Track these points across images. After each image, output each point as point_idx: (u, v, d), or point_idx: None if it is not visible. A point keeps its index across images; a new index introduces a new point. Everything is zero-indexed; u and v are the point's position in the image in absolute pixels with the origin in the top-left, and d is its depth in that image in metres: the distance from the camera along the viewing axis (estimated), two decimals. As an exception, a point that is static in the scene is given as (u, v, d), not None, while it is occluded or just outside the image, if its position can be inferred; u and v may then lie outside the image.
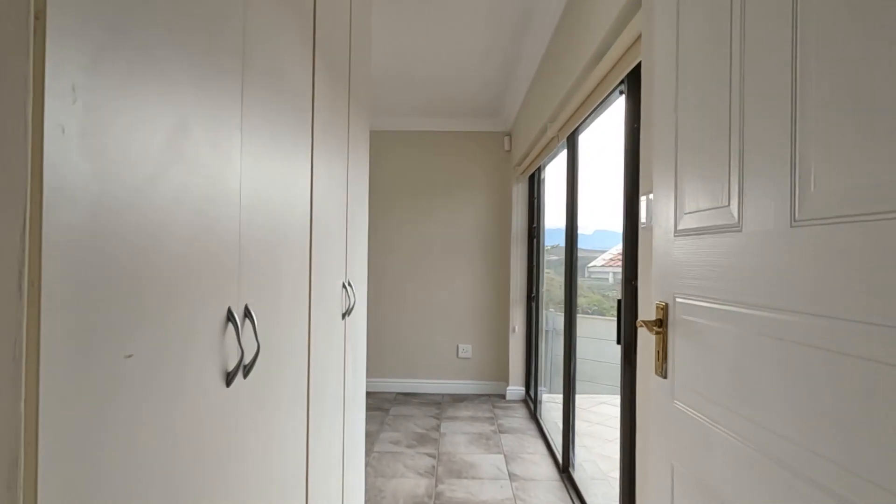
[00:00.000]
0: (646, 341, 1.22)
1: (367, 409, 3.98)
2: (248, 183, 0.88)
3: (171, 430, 0.66)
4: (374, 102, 4.13)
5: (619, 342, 1.90)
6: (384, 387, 4.51)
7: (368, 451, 3.14)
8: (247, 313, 0.88)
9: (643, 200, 1.28)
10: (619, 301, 1.90)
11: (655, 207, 1.00)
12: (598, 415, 4.43)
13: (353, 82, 1.78)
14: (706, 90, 0.83)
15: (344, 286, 1.65)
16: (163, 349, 0.63)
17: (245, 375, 0.87)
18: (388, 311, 4.54)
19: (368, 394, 4.40)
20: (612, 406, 4.63)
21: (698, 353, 0.84)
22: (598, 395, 5.11)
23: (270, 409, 1.01)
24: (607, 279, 10.40)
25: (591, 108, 2.28)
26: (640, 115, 1.82)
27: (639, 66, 1.78)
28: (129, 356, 0.57)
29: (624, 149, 1.87)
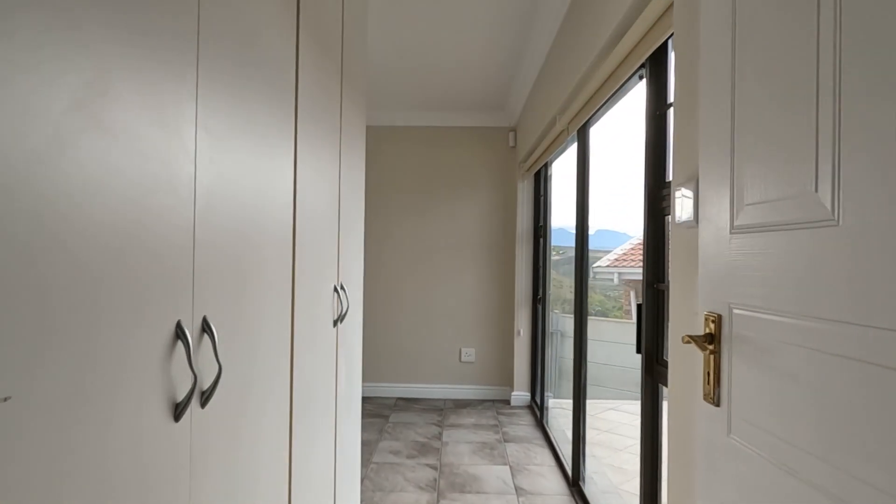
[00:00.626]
0: (683, 357, 1.05)
1: (366, 415, 3.82)
2: (207, 167, 0.72)
3: (98, 488, 0.49)
4: (372, 96, 3.97)
5: (638, 351, 1.74)
6: (384, 392, 4.34)
7: (367, 462, 2.98)
8: (205, 327, 0.71)
9: (677, 194, 1.11)
10: (638, 306, 1.73)
11: (702, 200, 0.83)
12: (607, 422, 4.26)
13: (347, 61, 1.61)
14: (780, 51, 0.67)
15: (336, 290, 1.48)
16: (75, 385, 0.47)
17: (203, 403, 0.71)
18: (389, 313, 4.37)
19: (367, 399, 4.24)
20: (620, 412, 4.46)
21: (767, 380, 0.68)
22: (606, 400, 4.94)
23: (242, 437, 0.84)
24: (612, 279, 10.22)
25: (606, 96, 2.11)
26: (664, 100, 1.65)
27: (663, 46, 1.61)
28: (6, 399, 0.41)
29: (645, 138, 1.70)
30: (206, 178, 0.71)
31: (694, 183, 1.00)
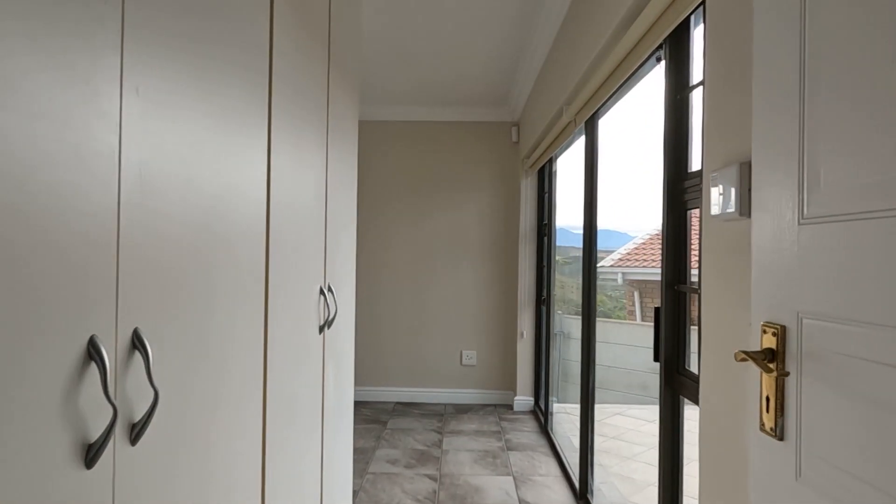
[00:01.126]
0: (721, 372, 0.90)
1: (363, 421, 3.68)
2: (139, 139, 0.57)
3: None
4: (367, 89, 3.82)
5: (656, 359, 1.58)
6: (382, 396, 4.19)
7: (362, 472, 2.83)
8: (136, 343, 0.56)
9: (709, 181, 0.96)
10: (656, 310, 1.58)
11: (757, 185, 0.68)
12: (614, 427, 4.10)
13: (335, 34, 1.46)
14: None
15: (322, 292, 1.33)
16: None
17: (134, 440, 0.56)
18: (387, 315, 4.22)
19: (365, 404, 4.09)
20: (627, 418, 4.30)
21: (853, 410, 0.53)
22: (612, 404, 4.79)
23: (196, 472, 0.69)
24: (616, 279, 10.08)
25: (619, 82, 1.96)
26: (685, 83, 1.50)
27: (684, 23, 1.46)
28: None
29: (664, 126, 1.54)
30: (137, 152, 0.56)
31: (734, 168, 0.85)
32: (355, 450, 3.14)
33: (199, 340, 0.69)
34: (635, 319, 8.77)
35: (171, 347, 0.62)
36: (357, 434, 3.40)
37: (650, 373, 6.27)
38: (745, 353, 0.63)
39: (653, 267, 8.53)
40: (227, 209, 0.77)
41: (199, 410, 0.69)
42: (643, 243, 9.35)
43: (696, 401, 1.36)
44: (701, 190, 1.35)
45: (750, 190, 0.83)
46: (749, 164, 0.83)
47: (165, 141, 0.61)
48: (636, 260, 8.87)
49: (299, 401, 1.14)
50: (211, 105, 0.72)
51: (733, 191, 0.85)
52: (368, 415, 3.84)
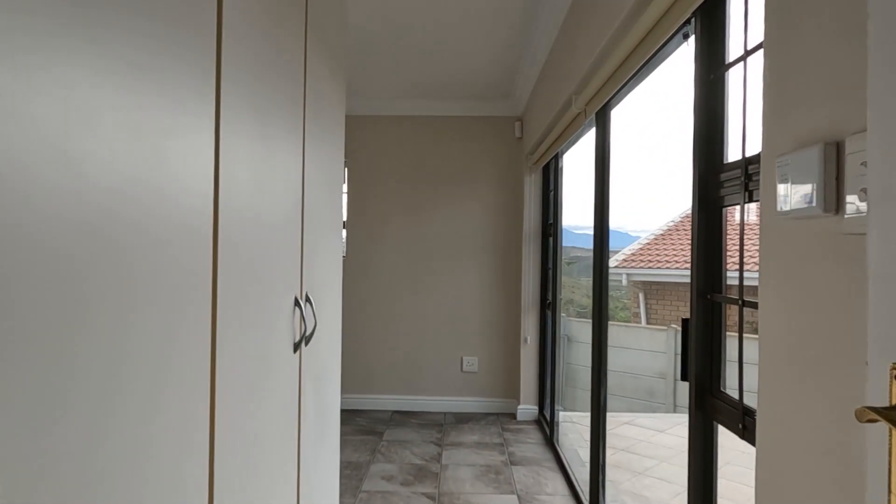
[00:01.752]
0: (793, 414, 0.70)
1: (358, 432, 3.48)
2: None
3: None
4: (362, 82, 3.62)
5: (684, 378, 1.39)
6: (379, 404, 3.99)
7: (356, 490, 2.63)
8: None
9: (772, 168, 0.76)
10: (683, 321, 1.38)
11: (877, 172, 0.48)
12: (623, 438, 3.90)
13: (315, 12, 1.26)
14: None
15: (298, 304, 1.14)
16: None
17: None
18: (384, 319, 4.02)
19: (360, 413, 3.89)
20: (637, 428, 4.10)
21: None
22: (620, 413, 4.59)
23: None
24: (620, 280, 9.88)
25: (635, 67, 1.76)
26: (720, 59, 1.30)
27: (719, -10, 1.26)
28: None
29: (694, 111, 1.35)
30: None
31: (816, 151, 0.65)
32: (348, 464, 2.94)
33: (63, 383, 0.49)
34: (640, 322, 8.57)
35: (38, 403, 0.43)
36: (351, 446, 3.21)
37: (657, 378, 6.06)
38: (872, 409, 0.43)
39: (659, 268, 8.32)
40: (151, 199, 0.58)
41: (96, 481, 0.49)
42: (648, 243, 9.15)
43: (736, 430, 1.16)
44: (742, 182, 1.16)
45: (839, 178, 0.63)
46: (839, 144, 0.63)
47: (15, 91, 0.41)
48: (641, 261, 8.66)
49: (264, 441, 0.95)
50: (109, 58, 0.52)
51: (814, 180, 0.65)
52: (364, 425, 3.64)
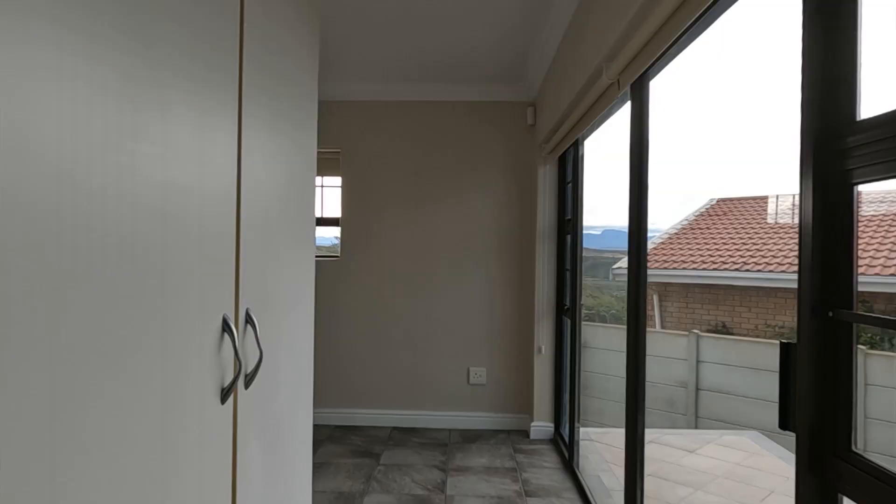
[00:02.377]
0: None
1: (353, 454, 3.10)
2: None
3: None
4: (354, 63, 3.24)
5: (784, 426, 1.00)
6: (378, 420, 3.61)
7: (346, 529, 2.25)
8: None
9: None
10: (786, 346, 0.99)
11: None
12: (648, 461, 3.48)
13: None
14: None
15: (227, 328, 0.75)
16: None
17: None
18: (382, 326, 3.64)
19: (356, 429, 3.51)
20: (664, 447, 3.70)
21: None
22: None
23: None
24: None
25: (692, 17, 1.37)
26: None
27: None
28: None
29: (802, 52, 0.96)
30: None
31: None
32: (339, 496, 2.56)
33: None
34: (654, 326, 8.14)
35: None
36: (344, 472, 2.83)
37: (678, 387, 5.64)
38: None
39: (674, 269, 7.90)
40: None
41: None
42: (662, 242, 8.72)
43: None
44: (887, 148, 0.77)
45: None
46: None
47: None
48: (656, 261, 8.23)
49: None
50: None
51: None
52: (360, 445, 3.26)
